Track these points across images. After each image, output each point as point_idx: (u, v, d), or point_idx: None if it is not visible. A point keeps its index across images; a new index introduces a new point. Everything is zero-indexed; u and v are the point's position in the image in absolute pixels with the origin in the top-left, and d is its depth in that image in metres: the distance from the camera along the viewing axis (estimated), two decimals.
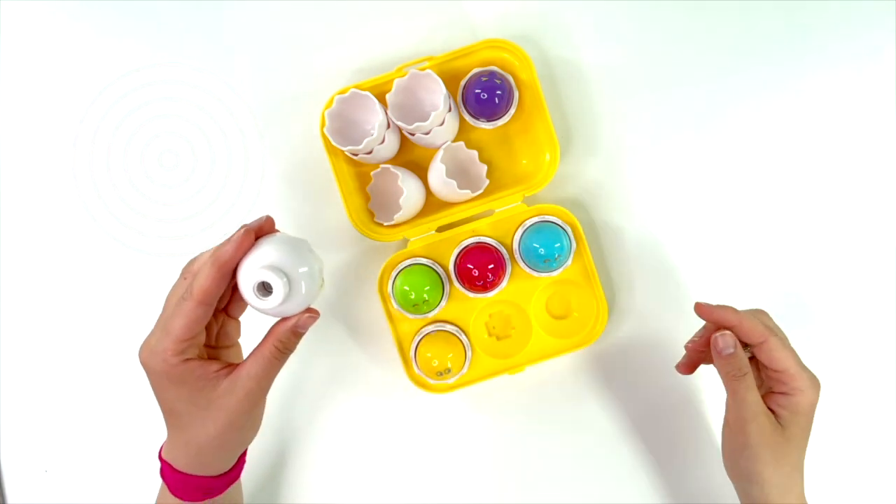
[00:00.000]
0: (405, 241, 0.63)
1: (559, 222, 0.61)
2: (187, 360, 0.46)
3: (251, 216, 0.65)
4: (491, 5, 0.63)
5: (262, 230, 0.48)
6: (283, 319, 0.48)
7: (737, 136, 0.64)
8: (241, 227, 0.47)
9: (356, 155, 0.59)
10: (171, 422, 0.50)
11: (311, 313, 0.48)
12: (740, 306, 0.54)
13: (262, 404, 0.50)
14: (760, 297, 0.64)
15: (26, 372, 0.66)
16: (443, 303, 0.62)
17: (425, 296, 0.61)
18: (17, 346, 0.66)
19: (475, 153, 0.62)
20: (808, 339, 0.64)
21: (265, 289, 0.45)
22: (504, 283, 0.62)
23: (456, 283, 0.62)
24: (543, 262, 0.61)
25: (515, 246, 0.62)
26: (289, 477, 0.66)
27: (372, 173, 0.61)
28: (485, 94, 0.59)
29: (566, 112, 0.64)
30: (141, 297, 0.66)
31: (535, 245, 0.61)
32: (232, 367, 0.48)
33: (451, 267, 0.62)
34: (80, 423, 0.66)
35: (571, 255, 0.61)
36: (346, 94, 0.58)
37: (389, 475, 0.66)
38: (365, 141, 0.56)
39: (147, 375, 0.48)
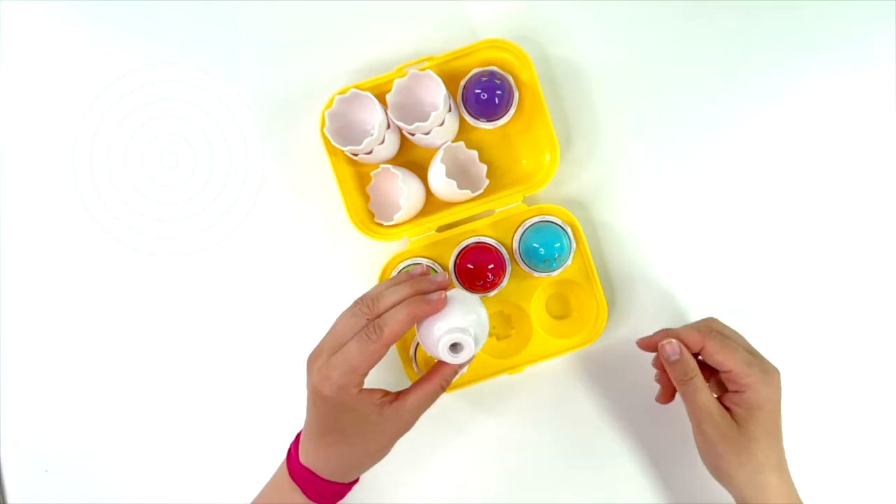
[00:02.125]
0: (405, 241, 0.63)
1: (559, 222, 0.61)
2: (361, 390, 0.51)
3: (252, 216, 0.65)
4: (491, 5, 0.63)
5: (444, 287, 0.53)
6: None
7: (737, 135, 0.64)
8: (430, 284, 0.52)
9: (356, 155, 0.59)
10: (332, 439, 0.54)
11: (471, 361, 0.53)
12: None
13: None
14: (760, 297, 0.64)
15: (26, 372, 0.66)
16: None
17: None
18: (17, 346, 0.66)
19: (475, 153, 0.62)
20: (807, 339, 0.65)
21: (456, 348, 0.51)
22: (504, 283, 0.62)
23: (456, 283, 0.62)
24: (543, 262, 0.61)
25: (515, 246, 0.62)
26: None
27: (372, 173, 0.61)
28: (485, 94, 0.59)
29: (566, 112, 0.64)
30: (141, 296, 0.66)
31: (535, 245, 0.61)
32: (391, 395, 0.53)
33: (451, 267, 0.62)
34: (80, 423, 0.66)
35: (571, 255, 0.61)
36: (346, 94, 0.58)
37: (389, 475, 0.66)
38: (365, 141, 0.56)
39: (316, 399, 0.52)
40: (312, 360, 0.52)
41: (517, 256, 0.62)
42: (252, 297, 0.66)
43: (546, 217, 0.62)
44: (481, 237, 0.62)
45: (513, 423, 0.66)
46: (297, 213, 0.65)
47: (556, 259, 0.60)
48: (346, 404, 0.51)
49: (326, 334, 0.52)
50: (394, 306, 0.50)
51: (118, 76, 0.65)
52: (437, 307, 0.51)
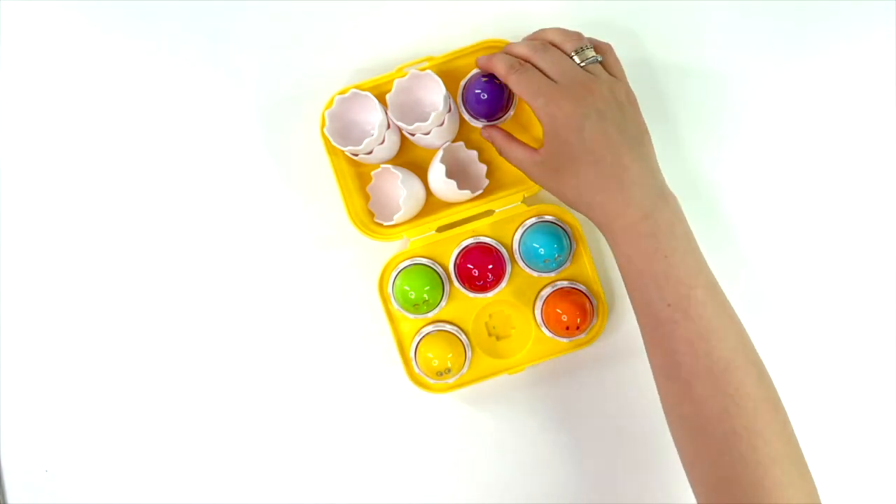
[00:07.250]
0: (405, 241, 0.63)
1: (559, 222, 0.62)
2: None
3: (251, 216, 0.65)
4: (491, 5, 0.63)
5: None
6: None
7: (737, 135, 0.64)
8: None
9: (356, 155, 0.59)
10: None
11: None
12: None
13: None
14: (761, 296, 0.64)
15: (26, 372, 0.66)
16: (443, 303, 0.62)
17: (425, 296, 0.61)
18: (17, 345, 0.66)
19: (475, 153, 0.62)
20: (806, 338, 0.65)
21: None
22: (504, 283, 0.62)
23: (456, 283, 0.62)
24: (543, 262, 0.61)
25: (515, 246, 0.62)
26: (288, 477, 0.66)
27: (372, 173, 0.61)
28: (485, 94, 0.59)
29: None
30: (141, 296, 0.66)
31: (535, 245, 0.61)
32: None
33: (451, 267, 0.62)
34: (80, 423, 0.66)
35: (571, 255, 0.61)
36: (346, 94, 0.58)
37: (389, 475, 0.66)
38: (365, 141, 0.56)
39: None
40: None
41: (517, 256, 0.62)
42: (252, 297, 0.66)
43: (546, 217, 0.62)
44: (481, 237, 0.62)
45: (513, 423, 0.66)
46: (297, 212, 0.65)
47: (555, 259, 0.61)
48: None
49: None
50: None
51: (117, 76, 0.65)
52: None
